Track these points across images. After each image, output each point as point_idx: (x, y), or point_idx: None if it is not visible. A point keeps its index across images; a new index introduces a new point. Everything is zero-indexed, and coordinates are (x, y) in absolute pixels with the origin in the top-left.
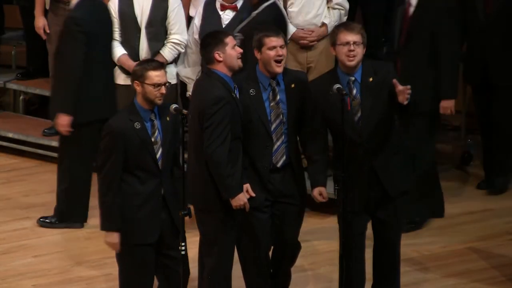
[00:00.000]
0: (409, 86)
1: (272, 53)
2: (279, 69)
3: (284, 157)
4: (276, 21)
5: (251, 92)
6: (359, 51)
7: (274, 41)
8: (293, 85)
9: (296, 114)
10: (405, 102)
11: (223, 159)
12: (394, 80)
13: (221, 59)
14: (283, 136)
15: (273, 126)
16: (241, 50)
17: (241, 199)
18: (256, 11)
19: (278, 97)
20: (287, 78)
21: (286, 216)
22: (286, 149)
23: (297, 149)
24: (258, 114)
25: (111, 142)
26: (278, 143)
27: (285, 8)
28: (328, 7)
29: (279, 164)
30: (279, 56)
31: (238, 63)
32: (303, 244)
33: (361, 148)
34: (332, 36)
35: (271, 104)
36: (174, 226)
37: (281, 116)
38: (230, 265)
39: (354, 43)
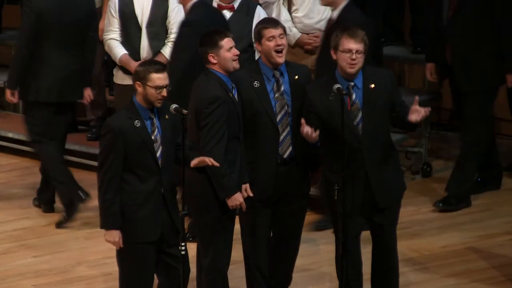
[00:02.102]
0: (428, 109)
1: (271, 43)
2: (280, 59)
3: (290, 149)
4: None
5: (255, 84)
6: (361, 59)
7: (272, 31)
8: (296, 77)
9: (300, 106)
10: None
11: (220, 159)
12: (416, 97)
13: (215, 61)
14: (288, 127)
15: (279, 117)
16: (237, 52)
17: (237, 199)
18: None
19: (282, 88)
20: (290, 70)
21: (291, 213)
22: (291, 141)
23: (302, 142)
24: (264, 106)
25: (111, 141)
26: (284, 134)
27: (290, 13)
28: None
29: (285, 156)
30: (279, 46)
31: (233, 65)
32: (303, 244)
33: (359, 154)
34: (334, 39)
35: (276, 95)
36: (174, 224)
37: (286, 107)
38: (226, 265)
39: (357, 51)
